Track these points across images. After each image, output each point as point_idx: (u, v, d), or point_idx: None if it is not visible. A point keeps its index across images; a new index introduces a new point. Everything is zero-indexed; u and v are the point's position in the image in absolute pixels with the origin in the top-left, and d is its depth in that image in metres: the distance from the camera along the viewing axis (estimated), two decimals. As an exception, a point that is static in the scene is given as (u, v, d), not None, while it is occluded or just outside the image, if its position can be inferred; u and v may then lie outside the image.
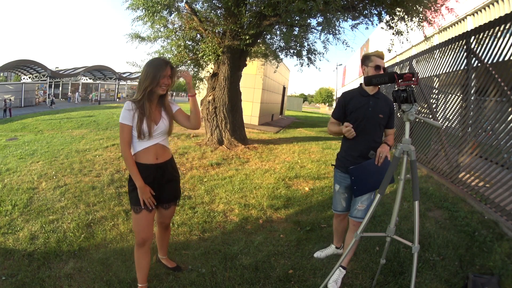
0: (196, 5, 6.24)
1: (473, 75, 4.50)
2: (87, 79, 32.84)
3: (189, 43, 6.70)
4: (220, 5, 6.04)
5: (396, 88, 1.69)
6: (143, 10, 5.83)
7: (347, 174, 2.12)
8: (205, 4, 6.17)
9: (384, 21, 5.86)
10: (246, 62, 6.86)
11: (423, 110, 6.02)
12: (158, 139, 1.84)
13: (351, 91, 2.18)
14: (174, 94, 52.75)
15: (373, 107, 2.06)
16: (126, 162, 1.79)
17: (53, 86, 29.64)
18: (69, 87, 30.18)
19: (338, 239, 2.52)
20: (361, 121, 2.05)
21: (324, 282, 1.95)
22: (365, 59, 2.11)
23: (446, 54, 5.44)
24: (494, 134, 3.80)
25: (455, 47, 5.12)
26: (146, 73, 1.74)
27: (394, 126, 2.18)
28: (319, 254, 2.51)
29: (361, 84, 2.16)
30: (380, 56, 2.07)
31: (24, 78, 27.53)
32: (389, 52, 6.00)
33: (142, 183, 1.77)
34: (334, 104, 41.96)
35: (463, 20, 8.52)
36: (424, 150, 5.71)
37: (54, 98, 26.04)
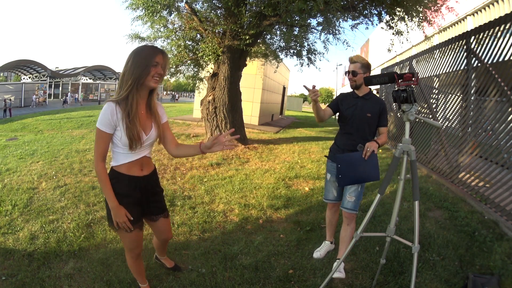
0: (196, 5, 6.25)
1: (473, 75, 4.50)
2: (87, 79, 32.83)
3: (189, 43, 6.70)
4: (220, 5, 6.04)
5: (396, 88, 1.70)
6: (143, 10, 5.83)
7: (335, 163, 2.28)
8: (205, 4, 6.17)
9: (384, 21, 5.86)
10: (246, 62, 6.86)
11: (423, 110, 6.02)
12: (146, 151, 1.59)
13: (347, 93, 2.41)
14: (177, 94, 52.27)
15: (361, 107, 2.25)
16: (99, 177, 1.49)
17: (53, 86, 29.62)
18: (69, 87, 30.17)
19: (331, 233, 2.61)
20: (350, 119, 2.27)
21: (324, 282, 1.95)
22: None
23: (446, 54, 5.44)
24: (494, 134, 3.80)
25: (455, 47, 5.12)
26: (135, 62, 1.41)
27: (386, 125, 2.31)
28: (318, 254, 2.52)
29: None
30: (349, 60, 2.28)
31: (24, 78, 27.51)
32: (389, 52, 6.00)
33: (116, 204, 1.50)
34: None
35: (463, 20, 8.52)
36: (424, 150, 5.70)
37: (66, 97, 26.21)
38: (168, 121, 1.71)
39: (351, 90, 2.38)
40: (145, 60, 1.41)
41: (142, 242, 1.80)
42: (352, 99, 2.31)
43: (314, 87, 2.01)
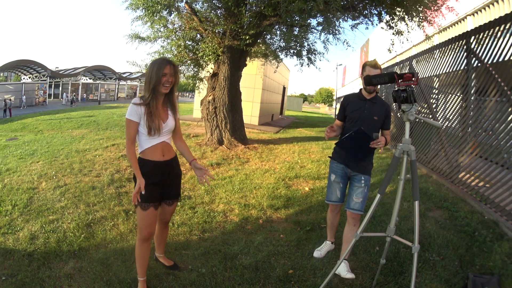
0: (196, 5, 6.24)
1: (473, 75, 4.50)
2: (87, 79, 32.82)
3: (189, 43, 6.70)
4: (220, 5, 6.04)
5: (396, 88, 1.70)
6: (143, 10, 5.83)
7: (343, 164, 2.32)
8: (205, 4, 6.17)
9: (384, 21, 5.86)
10: (246, 62, 6.86)
11: (423, 110, 6.02)
12: (165, 137, 1.92)
13: (351, 95, 2.40)
14: (178, 94, 52.73)
15: (369, 110, 2.25)
16: (128, 156, 1.85)
17: (53, 86, 29.61)
18: (69, 87, 30.17)
19: (333, 234, 2.61)
20: (357, 121, 2.26)
21: (325, 281, 1.95)
22: (363, 68, 2.30)
23: (446, 54, 5.44)
24: (494, 134, 3.80)
25: (455, 47, 5.12)
26: (150, 73, 1.81)
27: (389, 128, 2.37)
28: (318, 253, 2.52)
29: (361, 89, 2.34)
30: (372, 65, 2.22)
31: (24, 78, 27.51)
32: (389, 52, 6.00)
33: (139, 175, 1.82)
34: (334, 104, 42.17)
35: (463, 20, 8.52)
36: (424, 150, 5.70)
37: (74, 97, 26.32)
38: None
39: (358, 90, 2.36)
40: (157, 72, 1.79)
41: (154, 226, 1.98)
42: (359, 101, 2.29)
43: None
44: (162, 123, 1.86)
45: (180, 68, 7.08)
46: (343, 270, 2.24)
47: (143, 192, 1.79)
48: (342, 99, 2.45)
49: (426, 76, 6.22)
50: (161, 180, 1.89)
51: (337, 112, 2.64)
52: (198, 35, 6.58)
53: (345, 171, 2.33)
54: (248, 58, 7.12)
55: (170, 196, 2.00)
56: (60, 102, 26.87)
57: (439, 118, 5.39)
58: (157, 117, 1.82)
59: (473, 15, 8.06)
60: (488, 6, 7.43)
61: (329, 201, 2.43)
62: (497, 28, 3.95)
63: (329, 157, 2.49)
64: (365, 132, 2.09)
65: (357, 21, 5.83)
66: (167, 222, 2.17)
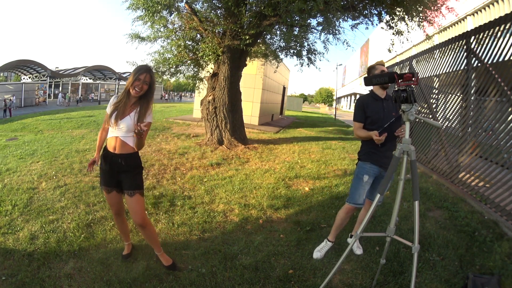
0: (196, 5, 6.25)
1: (473, 75, 4.50)
2: (87, 79, 32.81)
3: (189, 43, 6.70)
4: (220, 5, 6.04)
5: (396, 88, 1.70)
6: (143, 10, 5.83)
7: (377, 166, 2.33)
8: (205, 4, 6.18)
9: (384, 21, 5.86)
10: (246, 62, 6.86)
11: (423, 110, 6.02)
12: (119, 133, 2.04)
13: (365, 96, 2.43)
14: (181, 94, 52.91)
15: (386, 108, 2.33)
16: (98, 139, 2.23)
17: (53, 86, 29.60)
18: (69, 87, 30.15)
19: (336, 234, 2.59)
20: (381, 121, 2.30)
21: (325, 281, 1.95)
22: (371, 69, 2.38)
23: (446, 54, 5.44)
24: (494, 134, 3.80)
25: (455, 47, 5.12)
26: (131, 75, 2.03)
27: None
28: (318, 254, 2.52)
29: (372, 89, 2.40)
30: (382, 64, 2.38)
31: (24, 78, 27.49)
32: (389, 52, 6.00)
33: (97, 154, 2.23)
34: (334, 104, 42.11)
35: (463, 20, 8.52)
36: (424, 150, 5.71)
37: (81, 97, 26.44)
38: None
39: (370, 91, 2.40)
40: (133, 75, 1.99)
41: (116, 206, 2.25)
42: (376, 101, 2.33)
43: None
44: (118, 120, 1.99)
45: (180, 68, 7.08)
46: (354, 245, 2.46)
47: (96, 165, 2.20)
48: (357, 100, 2.42)
49: (426, 76, 6.23)
50: (111, 170, 2.09)
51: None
52: (198, 35, 6.58)
53: (378, 171, 2.34)
54: (248, 58, 7.12)
55: (126, 186, 2.12)
56: (62, 102, 26.82)
57: (439, 118, 5.39)
58: (119, 113, 1.99)
59: (473, 15, 8.07)
60: (488, 6, 7.43)
61: (356, 204, 2.36)
62: (497, 28, 3.95)
63: (359, 159, 2.44)
64: (395, 119, 2.19)
65: (357, 21, 5.83)
66: (139, 224, 2.10)
